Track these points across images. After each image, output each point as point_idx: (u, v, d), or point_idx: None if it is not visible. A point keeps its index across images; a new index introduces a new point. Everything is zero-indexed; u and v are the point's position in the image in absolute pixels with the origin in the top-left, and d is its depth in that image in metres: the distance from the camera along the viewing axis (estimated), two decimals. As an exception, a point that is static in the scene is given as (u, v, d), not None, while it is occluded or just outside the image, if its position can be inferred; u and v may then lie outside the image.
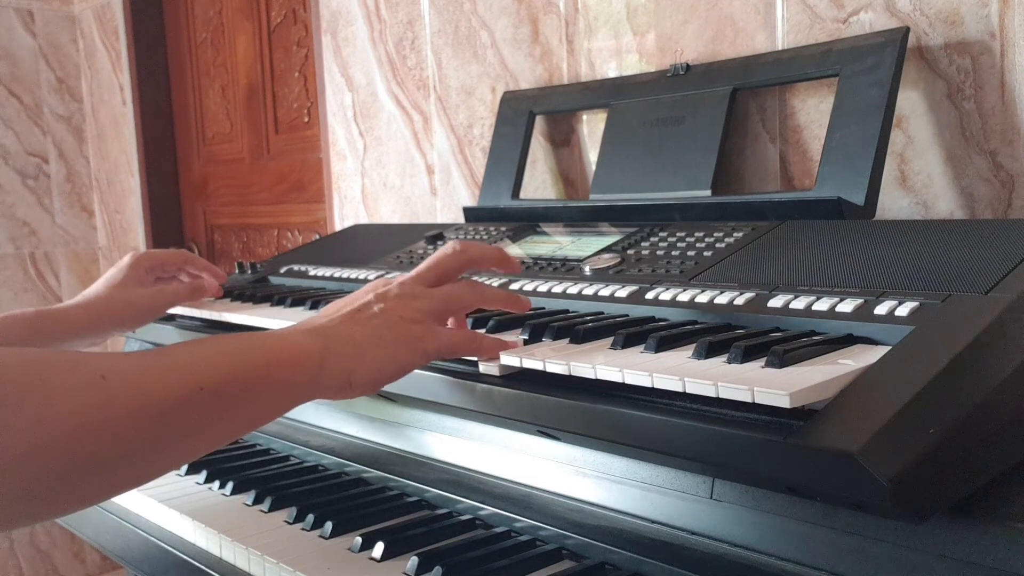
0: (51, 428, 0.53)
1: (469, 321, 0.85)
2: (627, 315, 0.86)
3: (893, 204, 1.09)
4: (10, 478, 0.52)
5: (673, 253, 0.96)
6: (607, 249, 1.03)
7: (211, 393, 0.61)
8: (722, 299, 0.81)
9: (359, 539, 0.83)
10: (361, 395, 0.71)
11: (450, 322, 0.80)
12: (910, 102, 1.06)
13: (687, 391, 0.62)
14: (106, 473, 0.57)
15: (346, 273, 1.25)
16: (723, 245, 0.94)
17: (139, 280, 1.12)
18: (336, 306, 0.75)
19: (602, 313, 0.88)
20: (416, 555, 0.76)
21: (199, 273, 1.20)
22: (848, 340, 0.68)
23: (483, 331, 0.83)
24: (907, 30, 1.01)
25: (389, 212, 1.85)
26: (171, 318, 1.28)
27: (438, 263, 0.78)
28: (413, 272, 0.78)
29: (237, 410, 0.64)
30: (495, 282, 1.01)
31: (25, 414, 0.52)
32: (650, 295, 0.86)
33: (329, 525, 0.87)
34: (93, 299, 1.09)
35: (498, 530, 0.84)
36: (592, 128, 1.43)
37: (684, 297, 0.83)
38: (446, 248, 0.80)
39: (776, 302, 0.77)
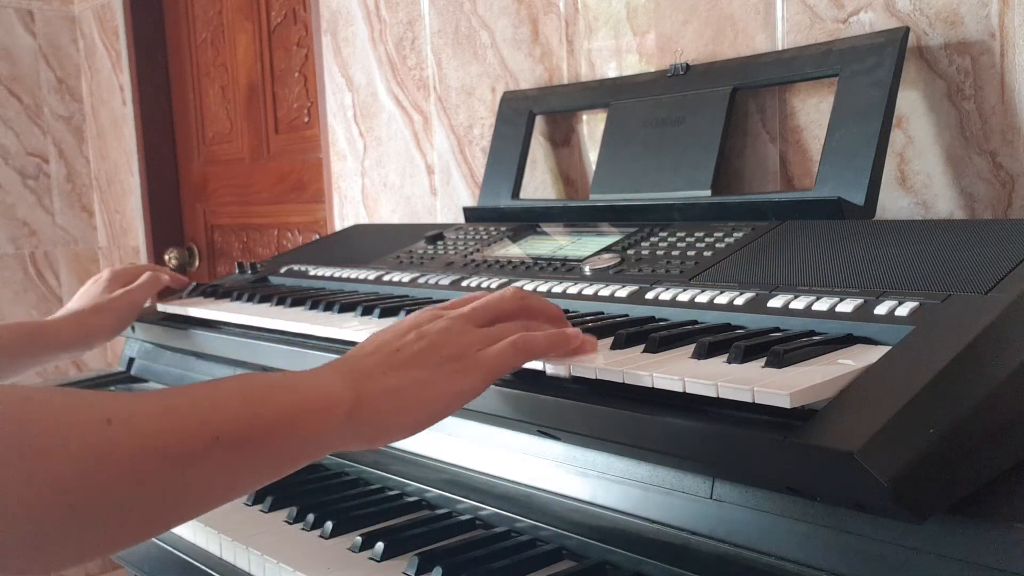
0: (45, 478, 0.48)
1: None
2: (627, 315, 0.86)
3: (893, 204, 1.09)
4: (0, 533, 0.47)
5: (673, 253, 0.96)
6: (607, 249, 1.03)
7: (229, 443, 0.56)
8: (722, 299, 0.81)
9: (359, 539, 0.83)
10: (395, 442, 0.68)
11: None
12: (910, 102, 1.06)
13: (687, 391, 0.62)
14: (106, 527, 0.52)
15: (346, 273, 1.25)
16: (723, 245, 0.94)
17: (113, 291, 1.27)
18: (376, 341, 0.69)
19: (602, 313, 0.88)
20: (416, 555, 0.76)
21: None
22: (848, 340, 0.68)
23: None
24: (907, 30, 1.01)
25: (389, 212, 1.85)
26: (168, 318, 1.28)
27: (493, 307, 0.72)
28: (465, 308, 0.72)
29: (257, 461, 0.59)
30: (497, 283, 1.01)
31: (15, 462, 0.48)
32: (650, 295, 0.86)
33: (329, 525, 0.87)
34: (78, 312, 1.22)
35: (498, 530, 0.84)
36: (592, 128, 1.43)
37: (684, 297, 0.83)
38: (505, 292, 0.74)
39: (776, 302, 0.77)
